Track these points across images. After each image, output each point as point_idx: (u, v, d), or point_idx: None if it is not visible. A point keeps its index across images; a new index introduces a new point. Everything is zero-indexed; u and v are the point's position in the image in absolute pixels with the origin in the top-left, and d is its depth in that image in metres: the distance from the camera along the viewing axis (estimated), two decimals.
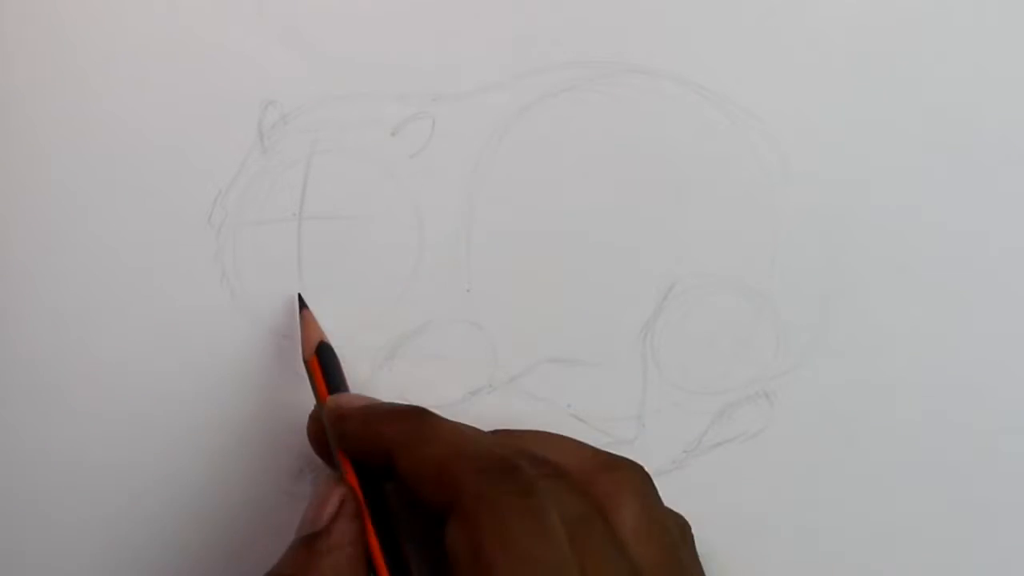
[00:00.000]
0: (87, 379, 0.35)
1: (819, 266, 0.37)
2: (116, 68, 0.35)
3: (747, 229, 0.36)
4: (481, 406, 0.36)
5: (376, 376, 0.35)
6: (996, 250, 0.37)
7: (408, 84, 0.36)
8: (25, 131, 0.35)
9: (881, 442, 0.36)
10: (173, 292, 0.35)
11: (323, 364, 0.33)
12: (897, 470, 0.36)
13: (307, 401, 0.34)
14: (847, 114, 0.37)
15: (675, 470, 0.36)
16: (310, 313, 0.35)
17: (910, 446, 0.36)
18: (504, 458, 0.28)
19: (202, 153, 0.35)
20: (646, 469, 0.31)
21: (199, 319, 0.35)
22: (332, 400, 0.32)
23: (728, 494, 0.36)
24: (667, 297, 0.36)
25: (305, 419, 0.34)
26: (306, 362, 0.34)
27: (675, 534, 0.31)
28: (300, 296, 0.35)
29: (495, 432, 0.32)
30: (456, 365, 0.36)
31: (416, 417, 0.30)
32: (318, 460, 0.34)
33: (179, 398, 0.35)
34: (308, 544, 0.30)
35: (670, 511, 0.32)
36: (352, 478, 0.31)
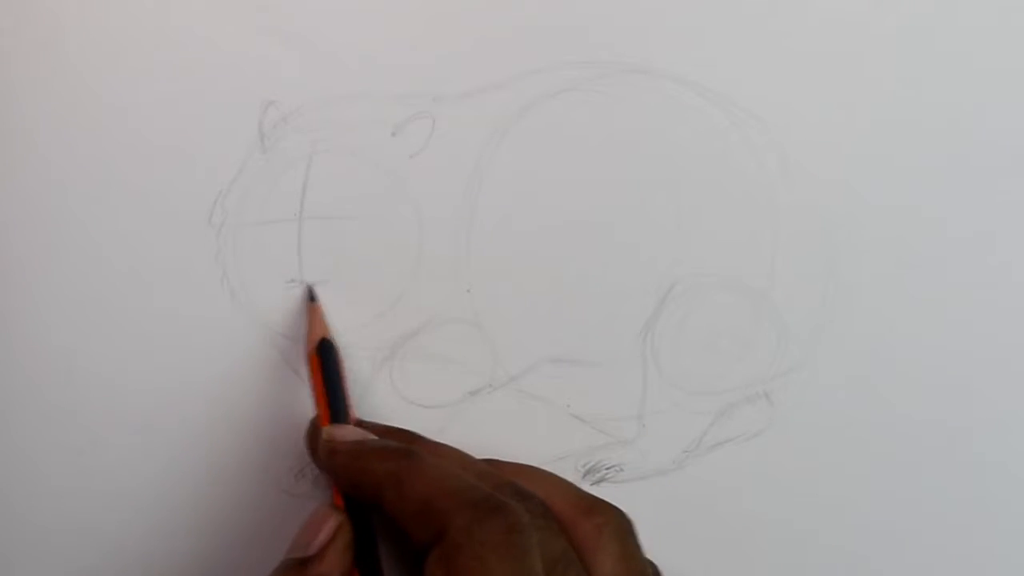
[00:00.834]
0: (87, 379, 0.35)
1: (819, 266, 0.37)
2: (116, 68, 0.35)
3: (747, 229, 0.36)
4: (481, 406, 0.36)
5: (376, 376, 0.35)
6: (996, 250, 0.37)
7: (408, 84, 0.36)
8: (24, 131, 0.35)
9: (881, 442, 0.36)
10: (173, 292, 0.35)
11: (323, 361, 0.33)
12: (897, 470, 0.36)
13: (308, 401, 0.34)
14: (847, 114, 0.37)
15: (675, 470, 0.36)
16: (318, 307, 0.35)
17: (910, 446, 0.36)
18: (490, 496, 0.29)
19: (202, 153, 0.35)
20: (628, 516, 0.31)
21: (199, 319, 0.35)
22: (327, 432, 0.32)
23: (728, 494, 0.36)
24: (667, 297, 0.36)
25: (305, 418, 0.34)
26: (307, 358, 0.34)
27: None
28: (311, 288, 0.35)
29: (487, 461, 0.33)
30: (456, 365, 0.36)
31: (404, 456, 0.30)
32: None
33: (179, 398, 0.35)
34: (299, 568, 0.30)
35: (646, 559, 0.32)
36: (341, 504, 0.31)
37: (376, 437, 0.32)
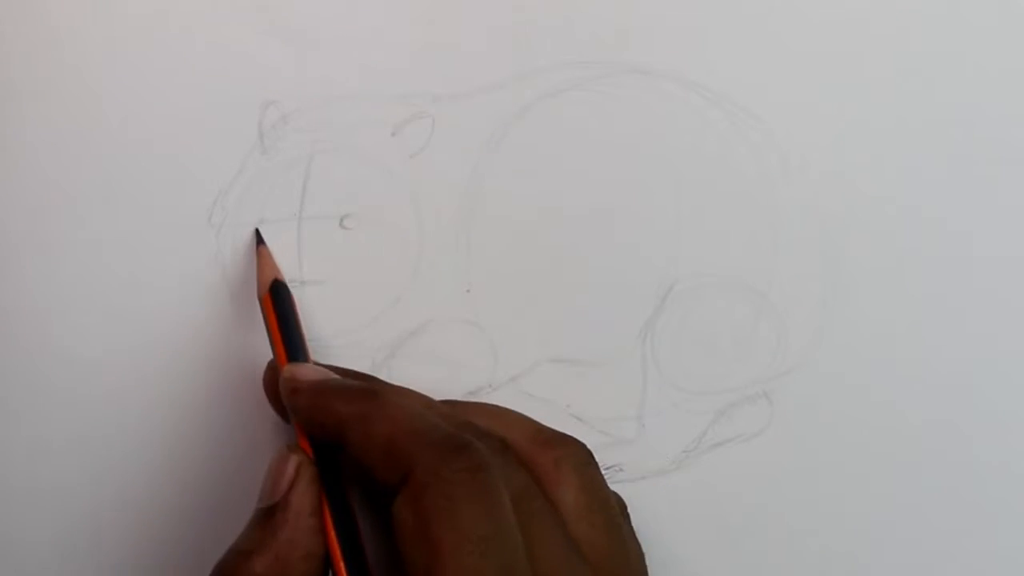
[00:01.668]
0: (86, 379, 0.35)
1: (819, 266, 0.37)
2: (116, 68, 0.35)
3: (747, 229, 0.36)
4: None
5: (376, 376, 0.35)
6: (996, 250, 0.37)
7: (408, 84, 0.36)
8: (24, 131, 0.35)
9: (881, 442, 0.36)
10: (173, 292, 0.35)
11: (276, 303, 0.33)
12: (896, 470, 0.36)
13: None
14: (847, 114, 0.37)
15: (675, 470, 0.36)
16: (266, 250, 0.34)
17: (910, 446, 0.36)
18: (454, 435, 0.28)
19: (202, 153, 0.35)
20: (588, 447, 0.31)
21: (199, 319, 0.35)
22: (288, 371, 0.32)
23: (728, 494, 0.36)
24: (667, 297, 0.36)
25: None
26: (260, 301, 0.33)
27: (616, 511, 0.31)
28: (258, 231, 0.35)
29: (444, 402, 0.32)
30: (456, 365, 0.36)
31: (368, 395, 0.30)
32: None
33: (178, 398, 0.35)
34: (266, 518, 0.30)
35: (610, 490, 0.32)
36: (306, 446, 0.31)
37: (337, 376, 0.32)
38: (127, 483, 0.35)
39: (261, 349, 0.34)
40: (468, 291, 0.36)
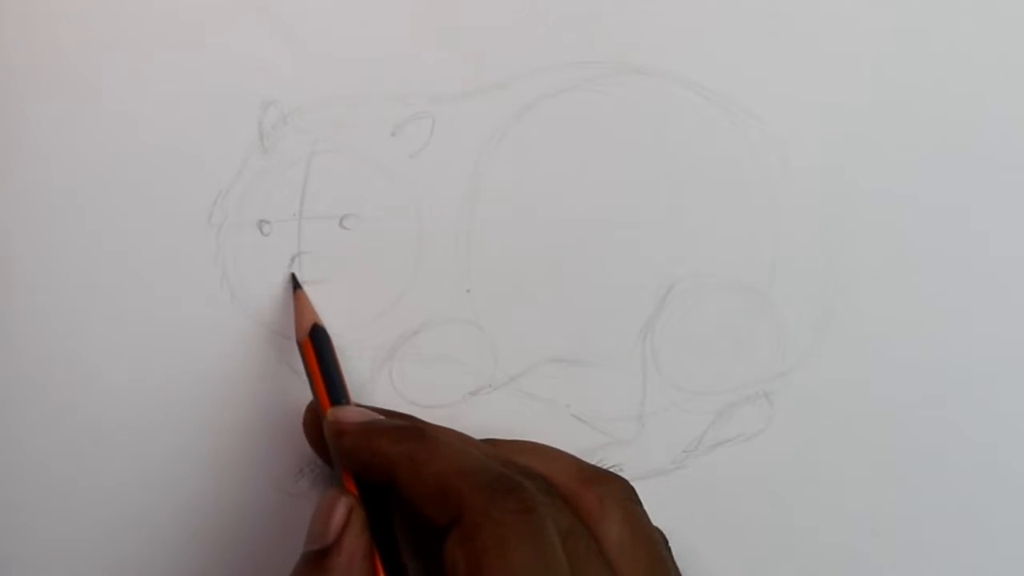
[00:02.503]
0: (86, 379, 0.35)
1: (819, 266, 0.37)
2: (116, 68, 0.35)
3: (747, 229, 0.36)
4: (481, 406, 0.36)
5: (376, 376, 0.35)
6: (996, 250, 0.37)
7: (408, 84, 0.36)
8: (24, 131, 0.35)
9: (881, 442, 0.36)
10: (173, 292, 0.35)
11: (317, 348, 0.33)
12: (896, 470, 0.36)
13: (308, 400, 0.34)
14: (847, 114, 0.37)
15: (675, 470, 0.36)
16: (304, 294, 0.35)
17: (910, 446, 0.36)
18: (504, 475, 0.29)
19: (202, 153, 0.35)
20: (630, 482, 0.32)
21: (199, 319, 0.35)
22: (332, 414, 0.32)
23: (728, 494, 0.36)
24: (667, 297, 0.36)
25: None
26: (300, 345, 0.33)
27: (660, 545, 0.31)
28: (294, 276, 0.35)
29: (484, 441, 0.33)
30: (456, 365, 0.36)
31: (416, 435, 0.30)
32: (318, 460, 0.34)
33: (178, 398, 0.35)
34: (317, 560, 0.30)
35: (652, 524, 0.32)
36: (354, 489, 0.31)
37: (382, 417, 0.32)
38: (126, 482, 0.35)
39: (261, 348, 0.34)
40: (468, 291, 0.36)
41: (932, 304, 0.37)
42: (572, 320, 0.36)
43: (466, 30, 0.36)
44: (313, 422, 0.33)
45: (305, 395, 0.33)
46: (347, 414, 0.32)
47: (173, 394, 0.35)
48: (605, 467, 0.35)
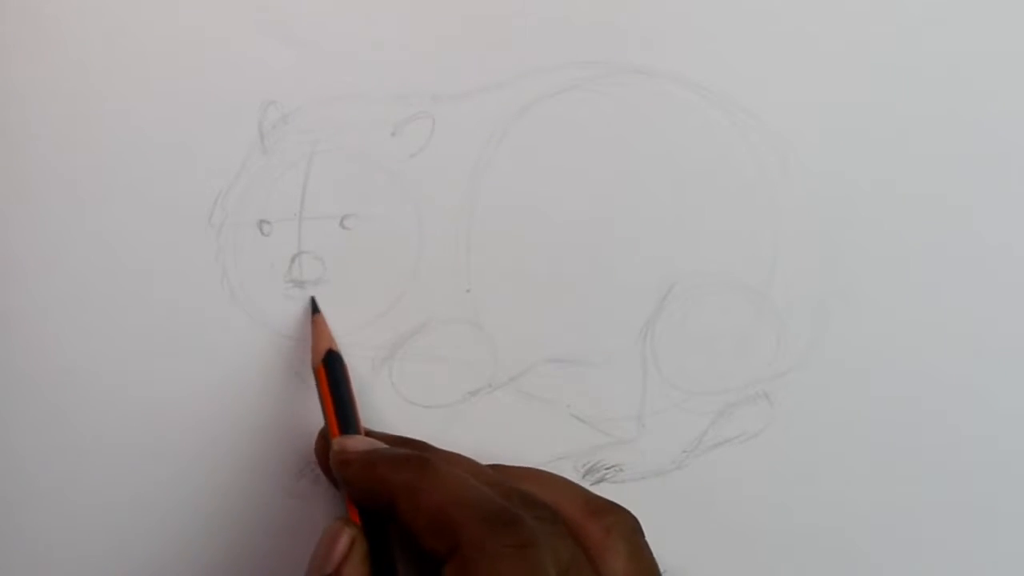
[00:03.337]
0: (87, 379, 0.35)
1: (819, 266, 0.37)
2: (117, 68, 0.35)
3: (747, 229, 0.36)
4: (481, 406, 0.36)
5: (376, 376, 0.35)
6: (996, 250, 0.37)
7: (408, 84, 0.36)
8: (25, 131, 0.35)
9: (880, 442, 0.36)
10: (173, 292, 0.35)
11: (330, 373, 0.33)
12: (896, 470, 0.36)
13: (308, 401, 0.34)
14: (847, 114, 0.37)
15: (675, 470, 0.36)
16: (322, 318, 0.35)
17: (909, 446, 0.36)
18: (503, 509, 0.29)
19: (203, 153, 0.35)
20: (635, 515, 0.32)
21: (199, 319, 0.35)
22: (338, 443, 0.32)
23: (728, 494, 0.36)
24: (667, 297, 0.36)
25: (306, 418, 0.34)
26: (314, 370, 0.34)
27: None
28: (313, 300, 0.35)
29: (492, 467, 0.33)
30: (456, 365, 0.36)
31: (417, 464, 0.30)
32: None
33: (179, 398, 0.35)
34: None
35: (653, 556, 0.32)
36: (355, 516, 0.31)
37: (387, 446, 0.32)
38: (126, 483, 0.35)
39: (261, 348, 0.34)
40: (468, 291, 0.36)
41: (931, 304, 0.37)
42: (572, 320, 0.36)
43: (466, 30, 0.36)
44: (324, 449, 0.33)
45: (305, 395, 0.33)
46: (353, 443, 0.32)
47: (172, 394, 0.35)
48: (604, 467, 0.35)
